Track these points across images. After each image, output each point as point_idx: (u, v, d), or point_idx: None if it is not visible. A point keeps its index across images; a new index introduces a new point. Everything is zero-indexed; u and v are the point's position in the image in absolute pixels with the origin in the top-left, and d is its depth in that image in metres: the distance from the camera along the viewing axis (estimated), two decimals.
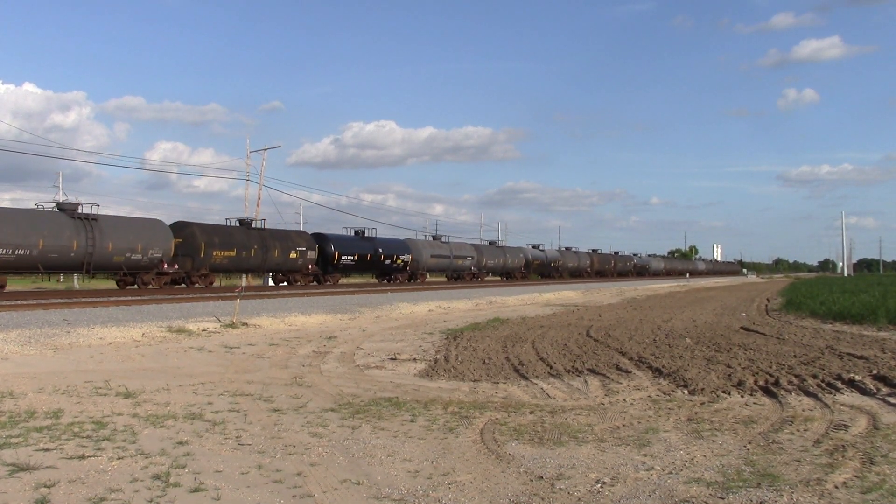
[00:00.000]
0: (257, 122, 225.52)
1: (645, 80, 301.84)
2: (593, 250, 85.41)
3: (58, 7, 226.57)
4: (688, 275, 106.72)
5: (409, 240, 51.09)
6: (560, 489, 5.03)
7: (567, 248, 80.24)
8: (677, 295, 41.83)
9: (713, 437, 6.54)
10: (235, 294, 21.34)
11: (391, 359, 11.80)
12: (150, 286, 30.07)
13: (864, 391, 8.77)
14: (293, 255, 36.97)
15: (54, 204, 28.91)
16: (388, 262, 45.59)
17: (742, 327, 18.01)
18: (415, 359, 11.82)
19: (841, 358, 11.59)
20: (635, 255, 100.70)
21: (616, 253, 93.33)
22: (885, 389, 8.82)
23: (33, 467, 5.33)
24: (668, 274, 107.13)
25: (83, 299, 22.77)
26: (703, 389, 8.83)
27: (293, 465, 5.55)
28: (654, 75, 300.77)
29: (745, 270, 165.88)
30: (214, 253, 32.26)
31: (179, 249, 31.22)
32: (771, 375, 9.74)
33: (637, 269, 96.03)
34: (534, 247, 71.60)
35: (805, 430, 6.75)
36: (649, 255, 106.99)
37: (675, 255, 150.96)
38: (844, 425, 6.94)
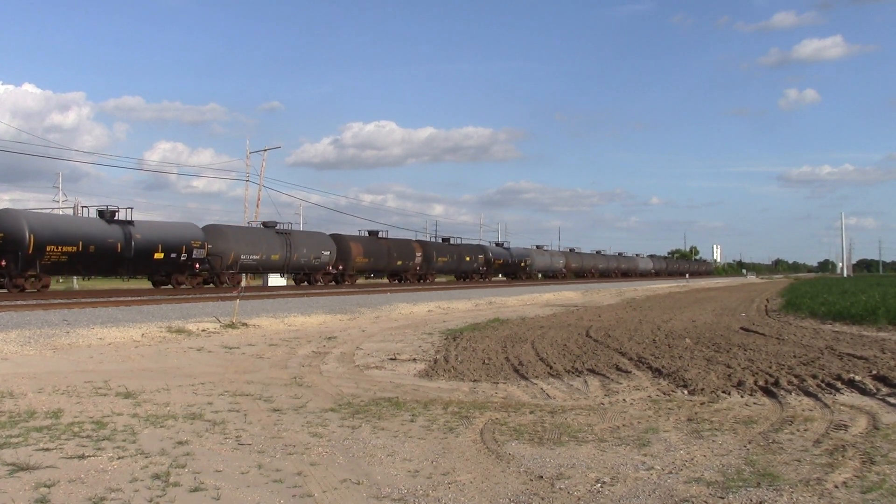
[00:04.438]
0: (257, 121, 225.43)
1: (645, 79, 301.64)
2: (428, 242, 55.60)
3: (58, 7, 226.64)
4: (687, 275, 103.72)
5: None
6: (560, 489, 5.03)
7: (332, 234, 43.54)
8: (677, 295, 41.86)
9: (713, 436, 6.54)
10: (235, 294, 21.35)
11: (391, 359, 11.80)
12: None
13: (863, 391, 8.77)
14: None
15: (260, 222, 39.04)
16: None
17: (742, 328, 18.01)
18: (414, 359, 11.82)
19: (841, 358, 11.59)
20: (501, 244, 69.08)
21: (446, 240, 57.25)
22: (884, 389, 8.82)
23: (33, 467, 5.32)
24: (581, 276, 76.73)
25: (83, 299, 22.77)
26: (702, 389, 8.83)
27: (293, 464, 5.55)
28: (653, 75, 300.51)
29: (744, 271, 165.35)
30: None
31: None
32: (771, 376, 9.74)
33: (507, 268, 63.70)
34: (270, 225, 38.19)
35: (805, 430, 6.75)
36: (536, 247, 74.19)
37: (675, 255, 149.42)
38: (844, 425, 6.94)
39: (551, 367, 10.69)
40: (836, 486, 5.05)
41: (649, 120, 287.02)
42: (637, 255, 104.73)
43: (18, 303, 20.71)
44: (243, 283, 24.11)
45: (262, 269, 36.73)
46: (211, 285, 33.32)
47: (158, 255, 30.20)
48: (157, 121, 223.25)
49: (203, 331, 15.42)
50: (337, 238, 42.19)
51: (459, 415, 7.37)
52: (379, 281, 49.93)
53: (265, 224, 38.18)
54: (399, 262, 46.66)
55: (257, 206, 46.11)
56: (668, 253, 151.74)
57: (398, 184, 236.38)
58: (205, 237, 32.51)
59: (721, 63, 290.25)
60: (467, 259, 55.98)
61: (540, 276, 69.43)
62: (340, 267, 41.10)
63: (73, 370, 10.15)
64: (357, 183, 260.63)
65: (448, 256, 52.98)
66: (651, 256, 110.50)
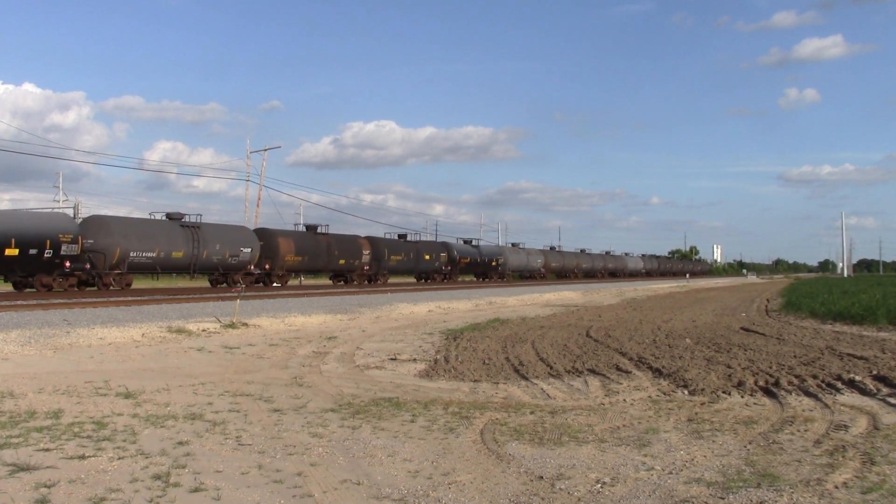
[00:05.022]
0: (257, 121, 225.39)
1: (645, 79, 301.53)
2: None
3: (58, 7, 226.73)
4: (687, 275, 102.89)
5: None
6: (560, 489, 5.03)
7: None
8: (677, 295, 41.86)
9: (713, 437, 6.54)
10: (235, 294, 21.36)
11: (391, 359, 11.80)
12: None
13: (864, 391, 8.77)
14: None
15: (164, 214, 33.54)
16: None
17: (742, 328, 18.00)
18: (415, 359, 11.82)
19: (841, 358, 11.58)
20: (469, 241, 62.58)
21: (402, 236, 51.25)
22: (885, 390, 8.82)
23: (33, 467, 5.32)
24: (563, 276, 71.12)
25: (83, 299, 22.78)
26: (703, 390, 8.83)
27: (293, 465, 5.55)
28: (654, 74, 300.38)
29: (744, 270, 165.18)
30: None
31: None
32: (771, 376, 9.73)
33: (476, 268, 58.04)
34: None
35: (805, 431, 6.75)
36: (511, 244, 69.48)
37: (675, 255, 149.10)
38: (844, 426, 6.94)
39: (552, 368, 10.68)
40: (837, 487, 5.05)
41: (649, 120, 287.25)
42: (626, 253, 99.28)
43: (19, 303, 20.72)
44: (242, 284, 23.61)
45: (160, 269, 31.42)
46: (94, 288, 28.69)
47: (11, 252, 25.31)
48: (157, 120, 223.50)
49: (203, 331, 15.42)
50: (262, 233, 38.04)
51: (460, 415, 7.37)
52: (317, 281, 45.67)
53: (169, 216, 33.14)
54: (342, 261, 41.70)
55: (258, 205, 46.12)
56: (669, 253, 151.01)
57: (398, 184, 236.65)
58: (79, 230, 27.90)
59: (721, 63, 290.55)
60: (427, 258, 50.47)
61: (515, 276, 64.03)
62: (267, 266, 36.62)
63: (74, 370, 10.15)
64: (357, 183, 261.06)
65: (403, 255, 47.45)
66: (643, 256, 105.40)
